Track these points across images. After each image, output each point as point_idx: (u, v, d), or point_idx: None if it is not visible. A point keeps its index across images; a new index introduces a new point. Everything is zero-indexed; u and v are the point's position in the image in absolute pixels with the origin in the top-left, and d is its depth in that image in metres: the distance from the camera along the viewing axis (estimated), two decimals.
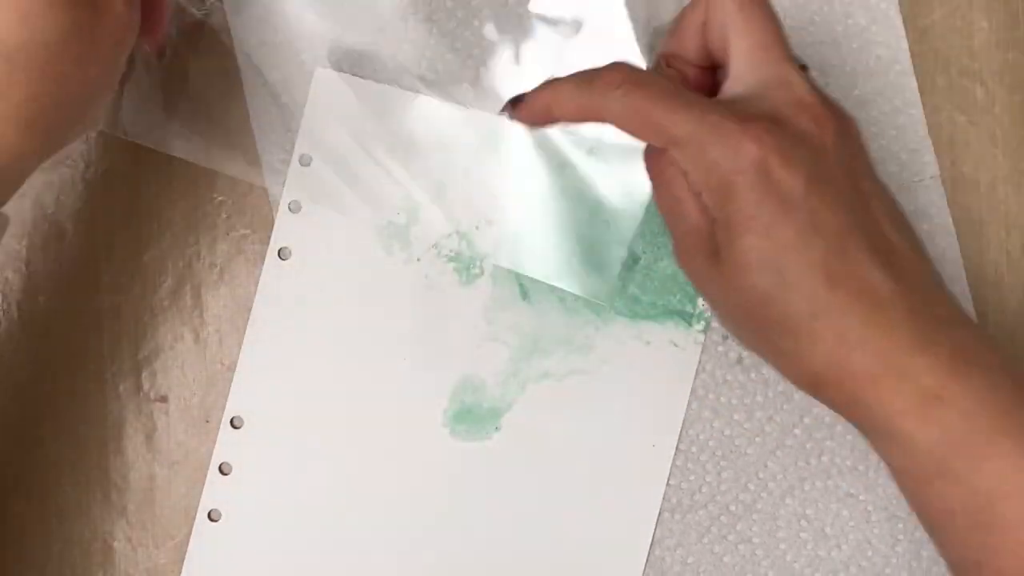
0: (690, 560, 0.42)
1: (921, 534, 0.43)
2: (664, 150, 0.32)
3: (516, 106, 0.35)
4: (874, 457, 0.42)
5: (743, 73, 0.34)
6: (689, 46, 0.35)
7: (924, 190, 0.43)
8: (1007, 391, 0.31)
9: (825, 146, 0.32)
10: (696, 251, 0.33)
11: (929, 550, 0.43)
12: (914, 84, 0.43)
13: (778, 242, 0.31)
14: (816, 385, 0.32)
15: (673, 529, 0.42)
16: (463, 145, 0.42)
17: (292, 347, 0.42)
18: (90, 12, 0.33)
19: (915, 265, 0.32)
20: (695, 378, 0.42)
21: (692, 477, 0.42)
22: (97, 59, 0.34)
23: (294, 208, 0.42)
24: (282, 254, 0.42)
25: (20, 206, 0.42)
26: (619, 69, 0.33)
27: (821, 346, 0.31)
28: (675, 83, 0.34)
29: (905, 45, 0.43)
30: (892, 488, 0.42)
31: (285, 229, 0.42)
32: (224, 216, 0.43)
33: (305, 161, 0.42)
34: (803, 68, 0.34)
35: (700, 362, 0.42)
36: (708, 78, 0.36)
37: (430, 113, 0.42)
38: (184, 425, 0.43)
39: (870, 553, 0.42)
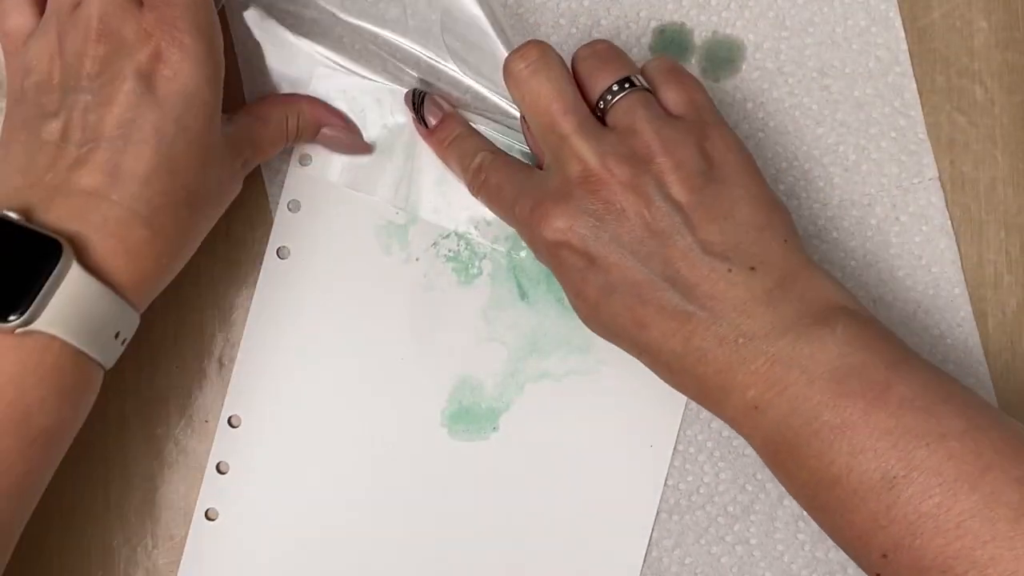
0: (688, 561, 0.42)
1: None
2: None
3: (424, 122, 0.42)
4: None
5: (544, 151, 0.38)
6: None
7: (923, 191, 0.43)
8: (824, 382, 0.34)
9: (617, 210, 0.36)
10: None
11: None
12: (913, 86, 0.43)
13: (592, 303, 0.37)
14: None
15: (671, 530, 0.42)
16: None
17: (290, 346, 0.42)
18: (226, 169, 0.38)
19: (728, 286, 0.35)
20: None
21: (690, 478, 0.42)
22: (221, 206, 0.39)
23: (293, 207, 0.42)
24: (281, 253, 0.42)
25: None
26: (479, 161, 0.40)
27: (660, 371, 0.37)
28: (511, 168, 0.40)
29: (905, 47, 0.43)
30: None
31: (284, 228, 0.42)
32: (225, 215, 0.42)
33: (304, 161, 0.42)
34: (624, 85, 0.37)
35: None
36: None
37: None
38: (184, 425, 0.43)
39: None
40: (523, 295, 0.42)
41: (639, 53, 0.43)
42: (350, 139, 0.42)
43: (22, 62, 0.36)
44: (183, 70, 0.35)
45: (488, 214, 0.42)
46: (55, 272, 0.32)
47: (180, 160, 0.35)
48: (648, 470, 0.42)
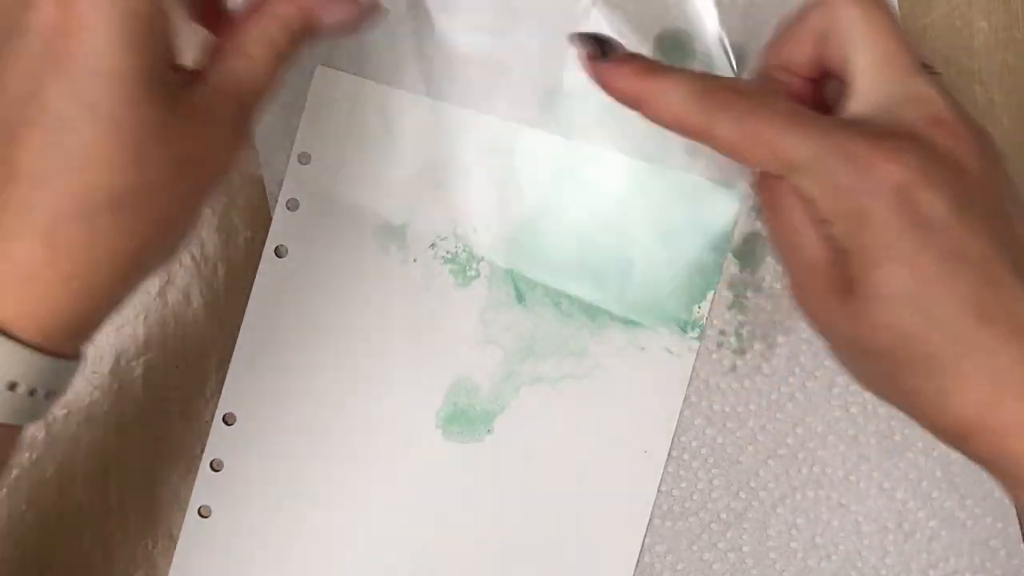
0: (680, 567, 0.42)
1: (910, 546, 0.43)
2: (781, 177, 0.30)
3: (597, 62, 0.32)
4: (865, 467, 0.42)
5: (868, 88, 0.31)
6: (799, 56, 0.33)
7: None
8: None
9: (966, 167, 0.29)
10: (820, 287, 0.30)
11: (918, 562, 0.43)
12: None
13: (922, 272, 0.28)
14: (961, 434, 0.29)
15: (663, 535, 0.42)
16: (462, 146, 0.43)
17: (286, 345, 0.42)
18: (200, 144, 0.29)
19: None
20: (688, 385, 0.42)
21: (684, 484, 0.42)
22: (203, 191, 0.30)
23: (292, 206, 0.42)
24: (279, 252, 0.42)
25: None
26: (730, 87, 0.31)
27: (970, 390, 0.28)
28: (788, 100, 0.31)
29: None
30: (883, 500, 0.42)
31: (282, 227, 0.42)
32: (224, 213, 0.43)
33: (304, 159, 0.42)
34: (933, 73, 0.31)
35: (694, 369, 0.42)
36: (815, 91, 0.34)
37: (430, 114, 0.42)
38: (184, 423, 0.43)
39: (860, 564, 0.42)
40: (520, 298, 0.43)
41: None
42: (355, 13, 0.33)
43: None
44: (92, 28, 0.26)
45: (488, 216, 0.42)
46: None
47: (91, 150, 0.26)
48: (642, 475, 0.42)
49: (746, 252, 0.43)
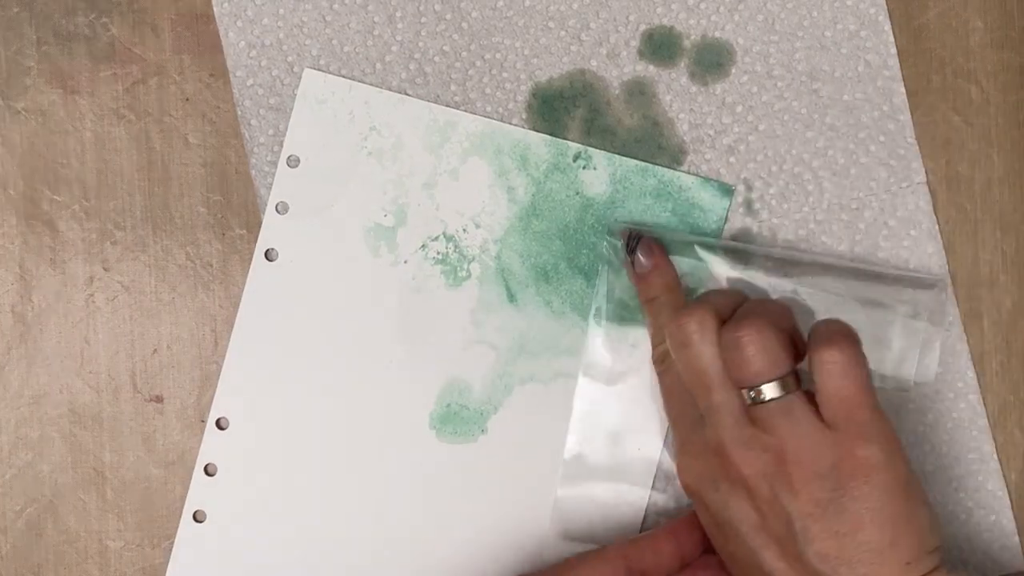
0: None
1: None
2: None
3: (637, 267, 0.41)
4: None
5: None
6: None
7: (912, 195, 0.43)
8: None
9: (735, 488, 0.36)
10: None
11: None
12: (902, 90, 0.43)
13: (703, 523, 0.38)
14: None
15: None
16: (451, 147, 0.43)
17: (279, 348, 0.42)
18: None
19: None
20: None
21: (677, 483, 0.42)
22: None
23: (281, 209, 0.42)
24: (269, 255, 0.42)
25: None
26: None
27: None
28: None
29: (894, 51, 0.43)
30: None
31: (272, 230, 0.42)
32: (219, 216, 0.43)
33: (293, 162, 0.42)
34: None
35: None
36: None
37: (418, 115, 0.42)
38: (180, 426, 0.43)
39: None
40: (511, 298, 0.43)
41: (627, 56, 0.43)
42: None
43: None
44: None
45: (477, 216, 0.42)
46: None
47: None
48: (635, 474, 0.42)
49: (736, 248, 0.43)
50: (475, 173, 0.42)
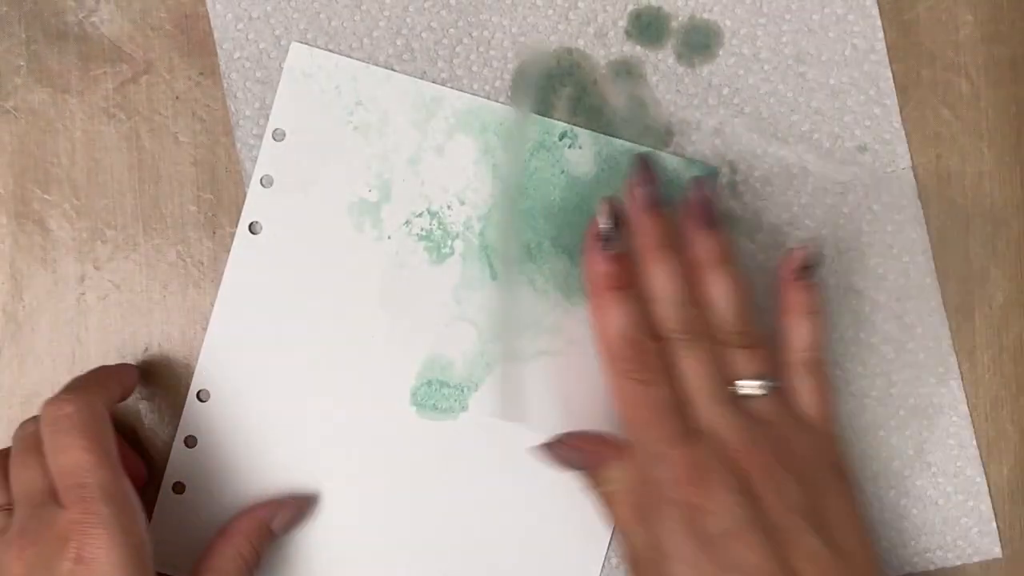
0: None
1: (882, 525, 0.43)
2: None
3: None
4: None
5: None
6: None
7: (896, 180, 0.43)
8: None
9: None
10: None
11: (889, 540, 0.43)
12: (889, 74, 0.43)
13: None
14: None
15: None
16: (436, 123, 0.42)
17: (260, 322, 0.42)
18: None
19: None
20: None
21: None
22: None
23: (266, 183, 0.42)
24: (253, 228, 0.42)
25: None
26: None
27: None
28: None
29: (881, 35, 0.43)
30: (854, 478, 0.42)
31: (256, 203, 0.42)
32: (209, 215, 0.43)
33: (278, 136, 0.42)
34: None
35: None
36: None
37: (404, 91, 0.42)
38: (160, 399, 0.43)
39: None
40: (494, 275, 0.43)
41: (615, 36, 0.43)
42: (301, 510, 0.42)
43: None
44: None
45: (462, 193, 0.42)
46: None
47: None
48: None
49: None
50: (460, 150, 0.42)
